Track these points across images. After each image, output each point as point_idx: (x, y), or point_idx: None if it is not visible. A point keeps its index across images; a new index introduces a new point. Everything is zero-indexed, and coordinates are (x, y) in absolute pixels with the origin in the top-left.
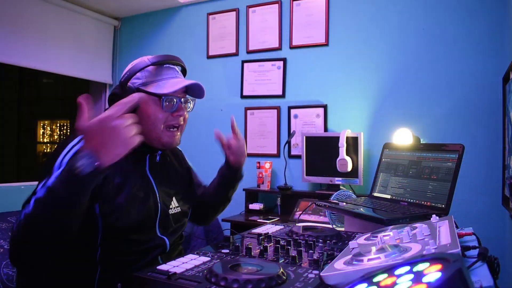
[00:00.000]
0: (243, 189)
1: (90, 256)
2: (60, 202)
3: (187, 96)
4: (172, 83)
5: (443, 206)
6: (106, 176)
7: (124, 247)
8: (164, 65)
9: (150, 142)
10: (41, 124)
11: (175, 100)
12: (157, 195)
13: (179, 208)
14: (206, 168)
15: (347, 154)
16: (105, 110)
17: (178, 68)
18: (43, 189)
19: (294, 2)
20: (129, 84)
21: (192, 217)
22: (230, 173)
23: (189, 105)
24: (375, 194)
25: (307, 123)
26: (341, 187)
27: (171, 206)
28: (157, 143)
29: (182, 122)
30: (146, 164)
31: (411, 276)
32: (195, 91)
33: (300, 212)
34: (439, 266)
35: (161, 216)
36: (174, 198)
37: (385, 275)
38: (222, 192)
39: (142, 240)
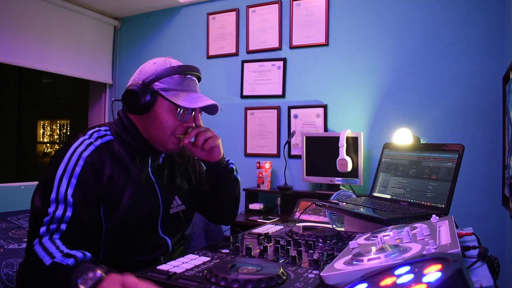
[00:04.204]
0: (243, 189)
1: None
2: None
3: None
4: (193, 98)
5: (443, 206)
6: (111, 177)
7: (127, 248)
8: (187, 75)
9: (155, 145)
10: (41, 124)
11: (190, 112)
12: (159, 196)
13: (183, 206)
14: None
15: (347, 154)
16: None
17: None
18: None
19: (294, 2)
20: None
21: (208, 216)
22: (210, 171)
23: (199, 116)
24: (375, 194)
25: (307, 123)
26: (341, 187)
27: (173, 205)
28: (161, 148)
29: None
30: (148, 165)
31: (411, 276)
32: (209, 108)
33: (300, 212)
34: (439, 266)
35: (163, 216)
36: (177, 197)
37: (385, 275)
38: (219, 192)
39: (144, 240)
